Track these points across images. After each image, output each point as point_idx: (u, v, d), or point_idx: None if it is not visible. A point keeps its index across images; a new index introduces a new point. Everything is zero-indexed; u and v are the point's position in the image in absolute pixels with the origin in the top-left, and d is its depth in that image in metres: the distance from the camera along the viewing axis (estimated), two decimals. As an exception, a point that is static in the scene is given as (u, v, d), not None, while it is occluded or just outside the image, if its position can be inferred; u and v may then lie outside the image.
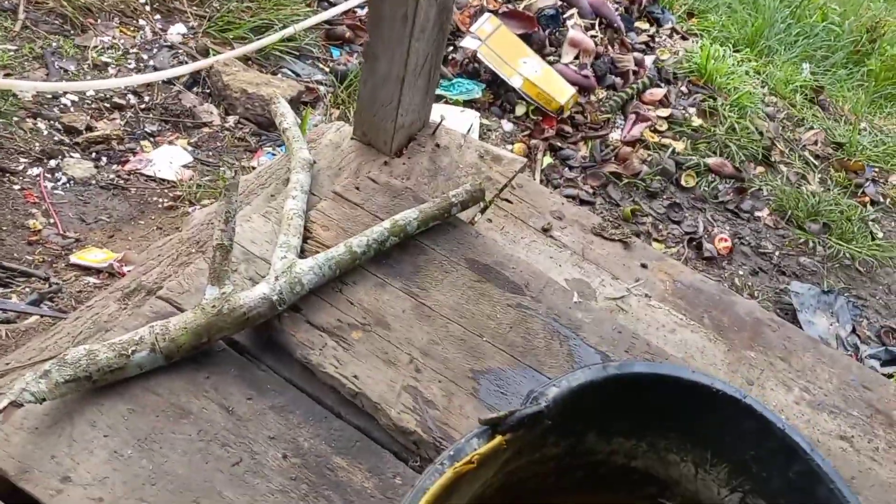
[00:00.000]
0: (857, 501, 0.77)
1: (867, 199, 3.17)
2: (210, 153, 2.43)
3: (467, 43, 3.02)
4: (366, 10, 3.26)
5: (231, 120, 2.59)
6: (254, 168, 2.34)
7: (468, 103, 2.98)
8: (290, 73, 2.91)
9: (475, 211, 1.48)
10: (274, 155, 2.43)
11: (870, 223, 3.07)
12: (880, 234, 3.05)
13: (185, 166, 2.34)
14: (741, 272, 2.76)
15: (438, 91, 2.94)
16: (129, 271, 1.63)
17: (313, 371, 1.16)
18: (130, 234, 1.98)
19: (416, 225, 1.34)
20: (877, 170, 3.32)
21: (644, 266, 1.49)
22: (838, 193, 3.12)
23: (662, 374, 0.83)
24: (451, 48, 3.09)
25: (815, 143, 3.32)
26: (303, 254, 1.29)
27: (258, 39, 2.84)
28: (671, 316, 1.41)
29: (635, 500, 0.91)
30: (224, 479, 1.02)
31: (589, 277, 1.44)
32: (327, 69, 2.96)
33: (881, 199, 3.20)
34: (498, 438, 0.71)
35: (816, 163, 3.25)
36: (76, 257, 1.81)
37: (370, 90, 1.46)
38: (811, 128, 3.40)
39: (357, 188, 1.43)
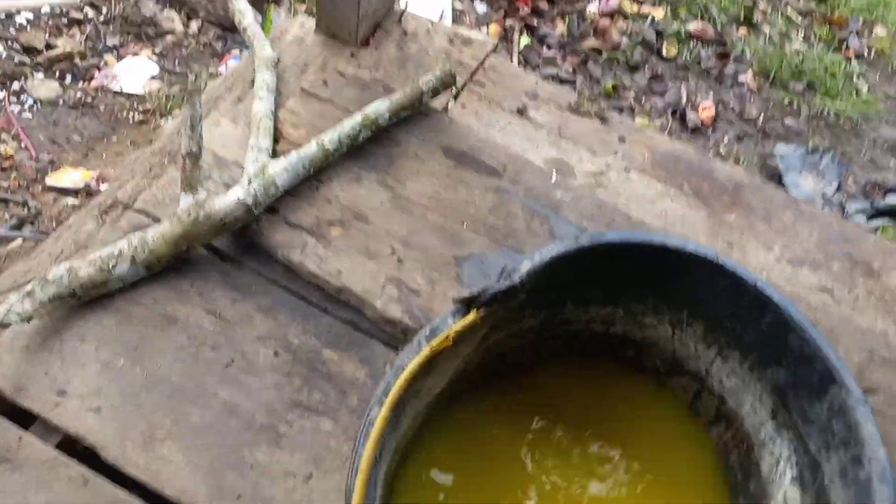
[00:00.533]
0: (829, 345, 0.79)
1: (851, 53, 3.11)
2: (176, 62, 2.36)
3: (432, -78, 2.87)
4: None
5: (194, 25, 2.50)
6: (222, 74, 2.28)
7: (438, -12, 2.86)
8: (249, -30, 2.78)
9: (447, 97, 1.45)
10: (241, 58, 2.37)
11: (855, 78, 3.02)
12: (865, 89, 3.01)
13: (152, 78, 2.27)
14: (726, 139, 2.74)
15: (406, -23, 2.82)
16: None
17: (296, 270, 1.17)
18: (104, 152, 1.95)
19: (388, 116, 1.32)
20: (861, 21, 3.24)
21: (622, 139, 1.47)
22: (822, 49, 3.05)
23: (635, 242, 0.84)
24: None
25: (799, -1, 3.23)
26: (275, 155, 1.27)
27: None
28: (651, 187, 1.41)
29: (615, 364, 0.94)
30: (217, 381, 1.05)
31: (566, 155, 1.42)
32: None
33: (866, 53, 3.13)
34: (473, 315, 0.73)
35: (799, 20, 3.17)
36: (52, 179, 1.79)
37: (327, -22, 1.40)
38: (794, -17, 3.29)
39: (325, 83, 1.40)
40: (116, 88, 2.18)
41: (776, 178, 2.68)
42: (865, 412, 0.76)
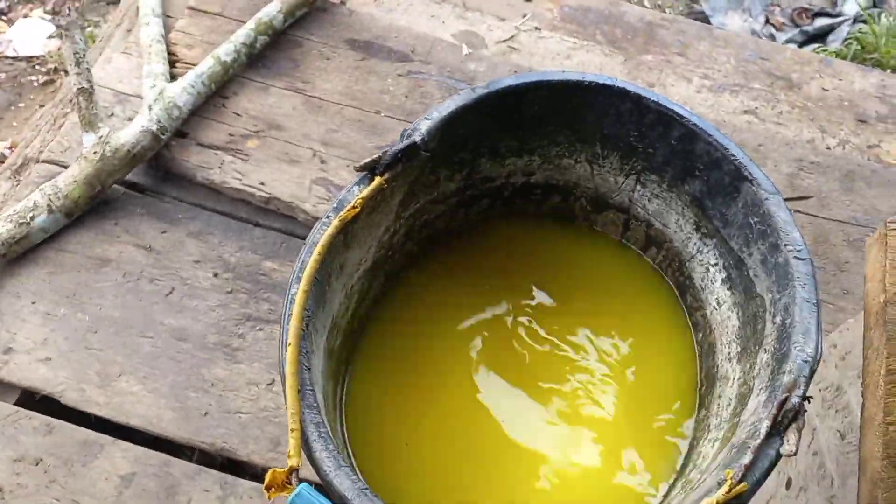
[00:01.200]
0: (734, 145, 0.80)
1: None
2: (71, 15, 2.25)
3: None
4: None
5: (81, -25, 2.37)
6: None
7: None
8: None
9: (343, -11, 1.41)
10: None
11: None
12: (779, -84, 2.95)
13: (49, 37, 2.17)
14: (648, -7, 2.69)
15: None
16: (19, 154, 1.57)
17: (219, 190, 1.15)
18: (14, 120, 1.88)
19: (282, 18, 1.28)
20: None
21: (528, 0, 1.44)
22: None
23: (532, 82, 0.83)
24: None
25: None
26: (174, 79, 1.23)
27: None
28: (564, 42, 1.39)
29: (543, 214, 0.95)
30: (162, 309, 1.05)
31: (475, 26, 1.40)
32: None
33: None
34: (377, 180, 0.72)
35: None
36: (-35, 158, 1.73)
37: None
38: None
39: (212, -3, 1.35)
40: (13, 54, 2.09)
41: (704, 22, 2.65)
42: (777, 201, 0.77)
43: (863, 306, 0.78)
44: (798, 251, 0.73)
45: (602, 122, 0.87)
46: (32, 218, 1.05)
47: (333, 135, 1.21)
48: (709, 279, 0.86)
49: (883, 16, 2.62)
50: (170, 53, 1.26)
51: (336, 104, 1.25)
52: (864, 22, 2.60)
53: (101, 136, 1.08)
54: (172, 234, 1.11)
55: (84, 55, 1.09)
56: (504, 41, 1.38)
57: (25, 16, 2.23)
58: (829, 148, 1.33)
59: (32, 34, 2.16)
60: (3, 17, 2.21)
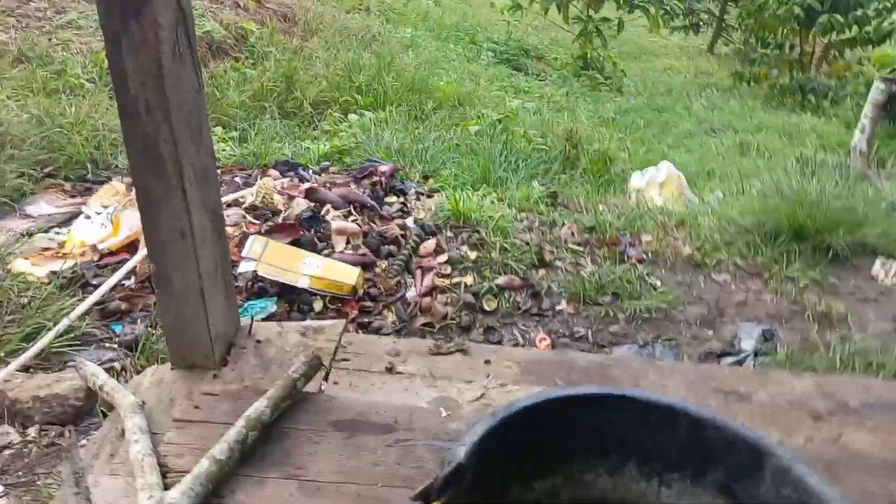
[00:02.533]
0: (741, 425, 0.87)
1: (634, 261, 3.58)
2: (20, 473, 2.20)
3: (244, 267, 3.09)
4: (131, 280, 3.24)
5: (31, 431, 2.38)
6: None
7: (268, 319, 3.01)
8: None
9: (319, 380, 1.50)
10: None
11: (647, 278, 3.46)
12: (659, 283, 3.43)
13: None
14: (570, 360, 2.94)
15: (234, 320, 2.95)
16: None
17: (224, 591, 1.08)
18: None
19: (269, 412, 1.33)
20: (629, 235, 3.79)
21: (488, 362, 1.58)
22: (610, 265, 3.50)
23: (542, 401, 0.91)
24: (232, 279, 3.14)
25: (572, 234, 3.75)
26: (167, 489, 1.22)
27: (31, 346, 2.70)
28: (530, 390, 1.49)
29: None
30: None
31: (446, 391, 1.49)
32: (115, 346, 2.87)
33: (645, 257, 3.63)
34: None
35: (581, 249, 3.65)
36: None
37: (174, 313, 1.47)
38: (563, 224, 3.84)
39: (196, 407, 1.40)
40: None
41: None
42: (804, 467, 0.82)
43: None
44: None
45: (612, 431, 0.93)
46: None
47: (335, 513, 1.20)
48: (762, 563, 0.85)
49: (778, 346, 2.95)
50: (160, 465, 1.26)
51: (333, 483, 1.25)
52: (766, 354, 2.92)
53: (100, 553, 1.03)
54: None
55: (82, 473, 1.08)
56: (476, 399, 1.47)
57: (-32, 480, 2.16)
58: (800, 444, 1.41)
59: (-24, 498, 2.08)
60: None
